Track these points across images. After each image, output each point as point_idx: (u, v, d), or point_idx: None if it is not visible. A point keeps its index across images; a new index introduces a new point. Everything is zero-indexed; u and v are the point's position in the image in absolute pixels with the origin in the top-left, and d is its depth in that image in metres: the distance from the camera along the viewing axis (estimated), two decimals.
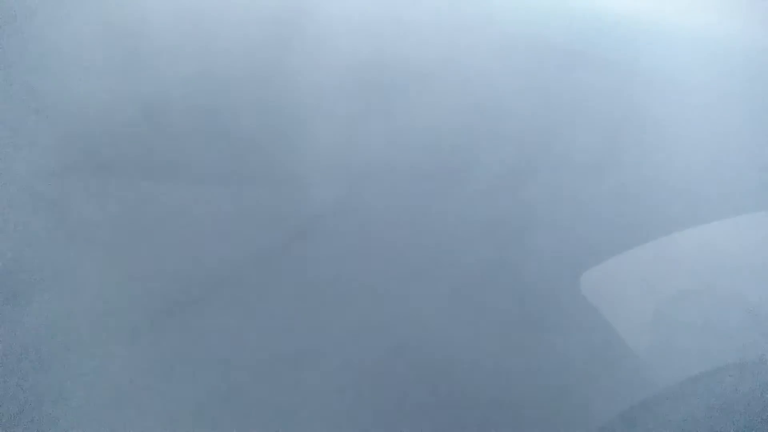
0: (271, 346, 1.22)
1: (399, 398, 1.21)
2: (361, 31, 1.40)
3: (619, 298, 1.28)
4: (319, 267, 1.28)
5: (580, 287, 1.28)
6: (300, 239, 1.30)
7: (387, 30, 1.41)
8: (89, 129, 1.28)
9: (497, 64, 1.38)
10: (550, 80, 1.36)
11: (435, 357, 1.24)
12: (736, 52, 1.38)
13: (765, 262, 1.30)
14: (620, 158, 1.34)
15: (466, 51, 1.39)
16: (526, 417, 1.23)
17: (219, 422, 1.15)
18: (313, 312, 1.26)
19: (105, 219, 1.25)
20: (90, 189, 1.26)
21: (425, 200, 1.33)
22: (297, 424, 1.15)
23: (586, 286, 1.28)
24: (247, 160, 1.32)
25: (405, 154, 1.35)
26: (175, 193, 1.29)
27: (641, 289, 1.29)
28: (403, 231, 1.31)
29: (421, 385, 1.22)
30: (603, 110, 1.36)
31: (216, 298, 1.24)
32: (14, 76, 1.26)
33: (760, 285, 1.29)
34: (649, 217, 1.32)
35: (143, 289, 1.22)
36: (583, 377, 1.24)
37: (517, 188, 1.33)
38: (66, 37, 1.30)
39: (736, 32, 1.39)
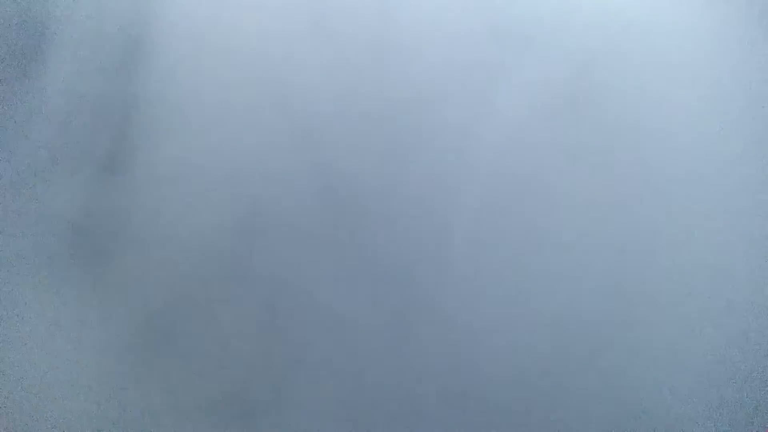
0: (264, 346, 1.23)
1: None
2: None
3: (619, 298, 1.28)
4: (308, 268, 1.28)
5: (580, 287, 1.28)
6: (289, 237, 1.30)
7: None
8: (89, 128, 1.28)
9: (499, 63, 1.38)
10: (548, 79, 1.36)
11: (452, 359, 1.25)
12: (735, 50, 1.38)
13: (765, 262, 1.29)
14: (620, 157, 1.34)
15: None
16: (524, 416, 1.23)
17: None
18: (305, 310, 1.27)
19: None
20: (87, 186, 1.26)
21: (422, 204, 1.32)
22: None
23: (586, 286, 1.28)
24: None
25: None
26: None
27: (641, 289, 1.29)
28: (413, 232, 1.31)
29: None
30: (602, 108, 1.35)
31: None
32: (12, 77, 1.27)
33: (761, 285, 1.29)
34: (649, 216, 1.31)
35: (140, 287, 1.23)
36: (584, 377, 1.24)
37: (517, 182, 1.33)
38: (66, 38, 1.30)
39: (735, 30, 1.38)
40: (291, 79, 1.34)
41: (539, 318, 1.27)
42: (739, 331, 1.26)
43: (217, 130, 1.31)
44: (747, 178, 1.33)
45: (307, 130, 1.31)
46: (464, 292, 1.27)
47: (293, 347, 1.23)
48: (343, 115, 1.32)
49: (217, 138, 1.31)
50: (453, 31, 1.38)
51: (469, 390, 1.23)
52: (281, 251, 1.26)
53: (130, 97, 1.31)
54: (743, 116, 1.35)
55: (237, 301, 1.24)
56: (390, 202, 1.30)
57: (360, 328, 1.24)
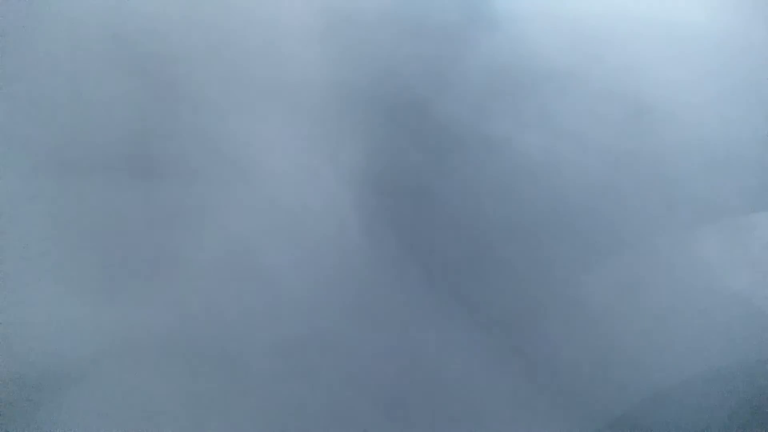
0: (264, 339, 1.23)
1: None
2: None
3: (619, 299, 1.28)
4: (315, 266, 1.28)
5: (579, 287, 1.28)
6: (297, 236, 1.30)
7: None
8: (88, 129, 1.29)
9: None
10: (545, 76, 1.36)
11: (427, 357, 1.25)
12: (735, 49, 1.38)
13: (765, 262, 1.29)
14: (619, 156, 1.34)
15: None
16: (524, 416, 1.23)
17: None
18: (307, 306, 1.27)
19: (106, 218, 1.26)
20: (90, 188, 1.26)
21: (418, 194, 1.33)
22: None
23: (585, 285, 1.28)
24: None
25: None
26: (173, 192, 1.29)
27: (641, 290, 1.29)
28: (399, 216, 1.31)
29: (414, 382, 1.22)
30: (601, 107, 1.35)
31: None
32: (13, 78, 1.28)
33: (761, 285, 1.28)
34: (649, 216, 1.32)
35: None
36: (583, 377, 1.24)
37: (517, 183, 1.34)
38: (66, 40, 1.31)
39: (736, 29, 1.38)
40: None
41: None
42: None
43: None
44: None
45: None
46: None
47: None
48: None
49: None
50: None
51: None
52: None
53: None
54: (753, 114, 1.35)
55: None
56: None
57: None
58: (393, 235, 1.28)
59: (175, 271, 1.23)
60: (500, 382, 1.24)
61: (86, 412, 1.14)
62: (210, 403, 1.15)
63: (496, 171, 1.32)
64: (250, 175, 1.32)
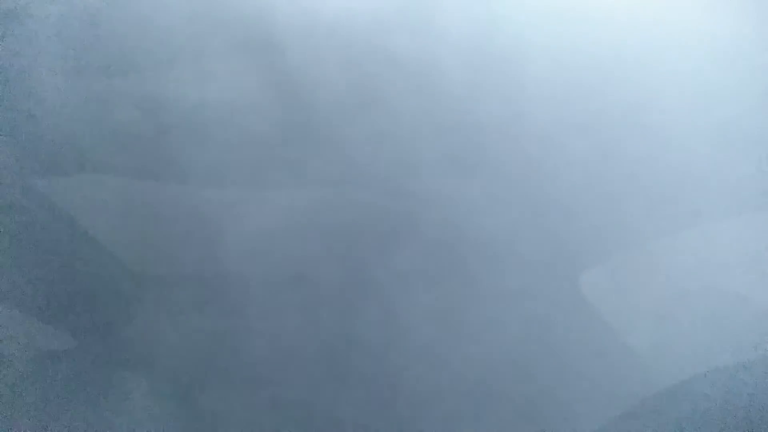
0: (279, 344, 1.23)
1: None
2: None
3: (619, 299, 1.28)
4: (317, 265, 1.28)
5: (579, 287, 1.28)
6: (300, 240, 1.30)
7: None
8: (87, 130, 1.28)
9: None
10: (544, 79, 1.36)
11: (428, 352, 1.25)
12: (735, 50, 1.38)
13: (765, 262, 1.29)
14: (619, 157, 1.34)
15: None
16: (525, 416, 1.24)
17: None
18: (316, 307, 1.27)
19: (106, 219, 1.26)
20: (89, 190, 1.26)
21: (421, 195, 1.32)
22: None
23: (586, 286, 1.28)
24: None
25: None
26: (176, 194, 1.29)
27: (641, 290, 1.29)
28: (393, 228, 1.31)
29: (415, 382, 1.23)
30: (600, 109, 1.35)
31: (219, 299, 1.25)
32: (11, 78, 1.27)
33: (761, 285, 1.29)
34: (649, 216, 1.32)
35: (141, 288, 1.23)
36: (583, 378, 1.25)
37: (516, 185, 1.33)
38: (64, 38, 1.30)
39: (736, 31, 1.38)
40: None
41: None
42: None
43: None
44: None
45: None
46: None
47: None
48: None
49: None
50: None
51: None
52: None
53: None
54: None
55: None
56: None
57: None
58: None
59: None
60: (501, 382, 1.24)
61: None
62: None
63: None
64: None
